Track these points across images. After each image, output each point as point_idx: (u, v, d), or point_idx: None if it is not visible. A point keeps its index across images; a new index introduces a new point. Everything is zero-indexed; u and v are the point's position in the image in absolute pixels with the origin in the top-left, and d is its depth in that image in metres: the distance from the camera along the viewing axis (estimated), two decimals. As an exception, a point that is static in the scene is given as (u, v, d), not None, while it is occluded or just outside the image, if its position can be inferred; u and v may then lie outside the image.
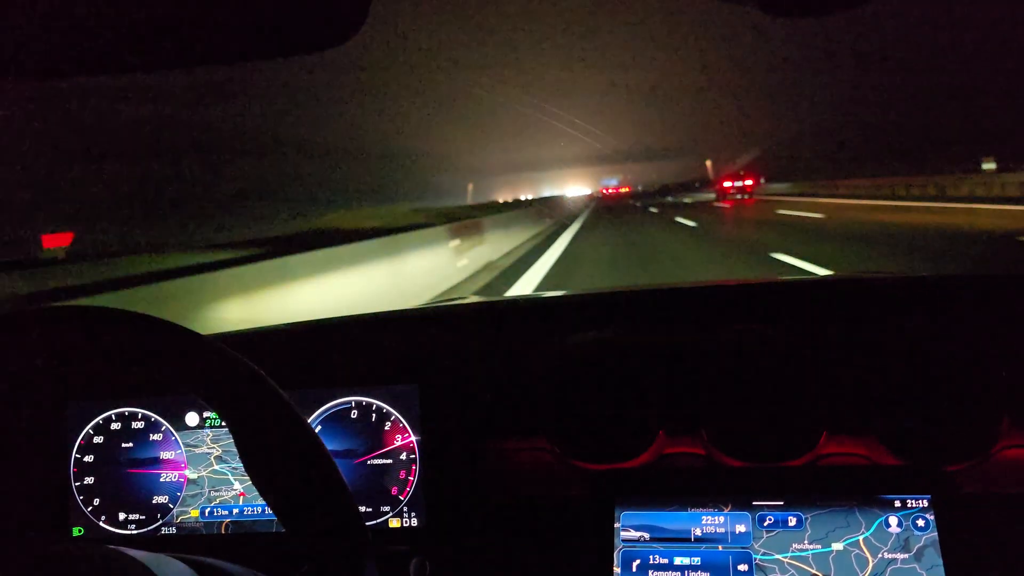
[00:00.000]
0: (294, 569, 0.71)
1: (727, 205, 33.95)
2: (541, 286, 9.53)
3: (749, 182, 43.17)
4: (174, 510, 1.23)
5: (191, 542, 1.22)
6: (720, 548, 1.01)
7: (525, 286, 9.56)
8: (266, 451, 0.68)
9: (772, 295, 1.42)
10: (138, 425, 1.25)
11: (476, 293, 8.86)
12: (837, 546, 0.99)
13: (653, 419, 1.17)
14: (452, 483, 1.21)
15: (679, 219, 23.17)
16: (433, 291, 8.37)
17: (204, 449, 1.24)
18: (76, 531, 1.24)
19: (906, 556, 0.97)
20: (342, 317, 1.40)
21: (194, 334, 0.71)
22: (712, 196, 46.58)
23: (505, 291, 9.32)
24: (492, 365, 1.27)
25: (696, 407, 1.17)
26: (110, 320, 0.70)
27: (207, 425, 1.24)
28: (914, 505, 0.99)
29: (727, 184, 44.10)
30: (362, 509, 1.20)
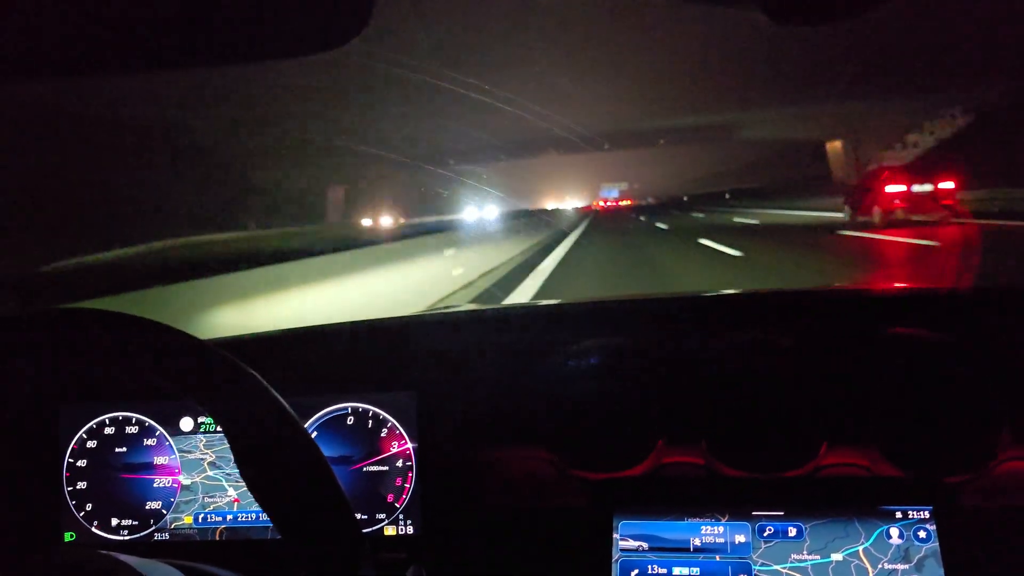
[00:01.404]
0: None
1: (899, 238, 12.79)
2: (539, 295, 9.54)
3: (949, 184, 17.97)
4: (167, 516, 1.22)
5: (185, 548, 1.20)
6: (719, 558, 1.01)
7: (523, 295, 9.57)
8: (262, 456, 0.67)
9: (773, 306, 1.42)
10: (132, 430, 1.24)
11: (473, 301, 8.86)
12: (836, 557, 0.98)
13: (652, 428, 1.17)
14: (448, 491, 1.20)
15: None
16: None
17: (198, 455, 1.23)
18: (68, 536, 1.23)
19: (907, 567, 0.96)
20: (339, 323, 1.39)
21: (190, 337, 0.70)
22: (837, 213, 20.64)
23: (502, 299, 9.32)
24: (490, 373, 1.26)
25: (696, 417, 1.16)
26: (106, 322, 0.69)
27: (201, 430, 1.23)
28: (915, 516, 0.99)
29: (893, 189, 18.10)
30: (357, 517, 1.19)
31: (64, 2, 0.60)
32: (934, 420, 1.10)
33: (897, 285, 1.51)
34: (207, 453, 1.22)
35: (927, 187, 17.76)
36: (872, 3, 0.56)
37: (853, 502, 1.01)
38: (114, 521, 1.23)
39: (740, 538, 1.01)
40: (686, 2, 0.63)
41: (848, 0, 0.58)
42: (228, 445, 0.68)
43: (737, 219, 26.28)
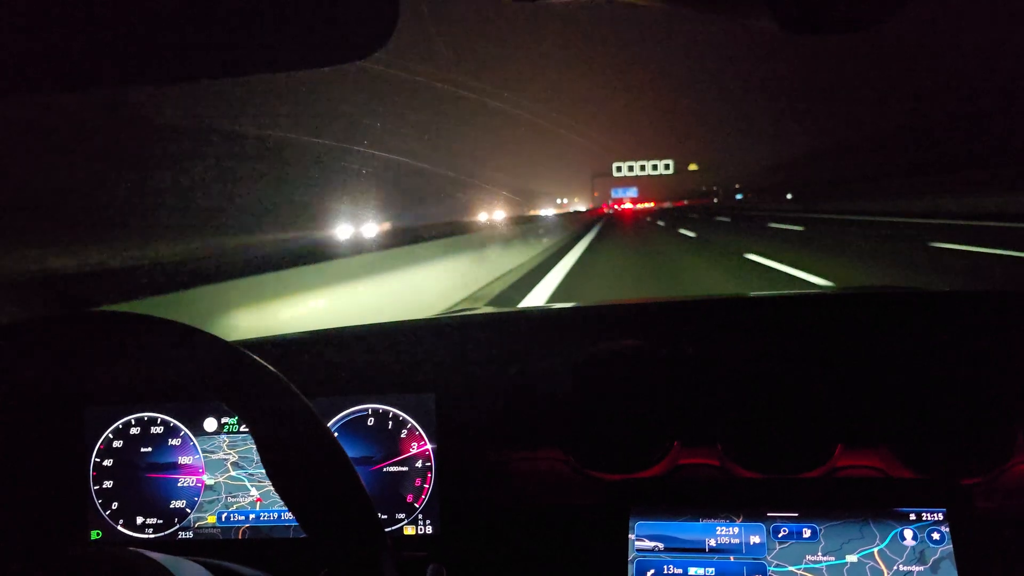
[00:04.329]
0: (311, 575, 0.72)
1: None
2: (553, 298, 9.54)
3: None
4: (191, 515, 1.24)
5: (208, 547, 1.23)
6: (733, 559, 1.02)
7: (538, 298, 9.57)
8: (287, 456, 0.69)
9: (789, 308, 1.42)
10: (157, 430, 1.26)
11: (490, 304, 8.87)
12: (851, 558, 0.99)
13: (668, 430, 1.18)
14: (467, 491, 1.22)
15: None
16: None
17: (221, 455, 1.25)
18: (94, 535, 1.26)
19: (922, 568, 0.97)
20: (360, 326, 1.41)
21: (217, 339, 0.72)
22: None
23: (518, 302, 9.32)
24: (508, 375, 1.28)
25: (712, 418, 1.17)
26: (133, 324, 0.71)
27: (225, 431, 1.25)
28: (929, 518, 0.99)
29: None
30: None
31: (98, 16, 0.62)
32: (949, 422, 1.10)
33: (912, 287, 1.51)
34: (230, 453, 1.25)
35: None
36: (882, 16, 0.57)
37: (868, 504, 1.01)
38: (139, 520, 1.25)
39: (755, 539, 1.02)
40: (696, 11, 0.64)
41: (858, 12, 0.60)
42: (251, 446, 0.70)
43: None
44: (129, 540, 1.24)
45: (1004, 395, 1.10)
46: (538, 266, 13.63)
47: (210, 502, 1.24)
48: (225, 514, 1.24)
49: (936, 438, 1.10)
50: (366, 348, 1.37)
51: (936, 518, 0.99)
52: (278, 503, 1.22)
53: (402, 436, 1.23)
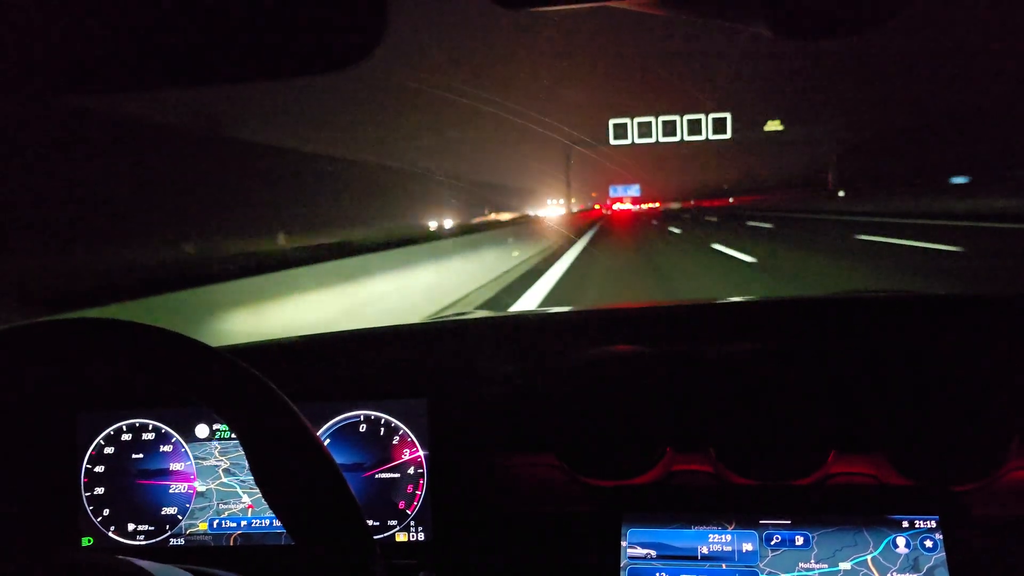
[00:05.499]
0: None
1: None
2: (546, 301, 9.53)
3: None
4: (183, 522, 1.24)
5: (200, 554, 1.22)
6: (725, 567, 1.01)
7: (530, 302, 9.56)
8: (276, 463, 0.68)
9: (782, 313, 1.42)
10: (148, 436, 1.26)
11: (480, 307, 8.85)
12: (844, 566, 0.99)
13: (661, 436, 1.18)
14: (459, 498, 1.22)
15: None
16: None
17: (212, 461, 1.24)
18: (85, 541, 1.25)
19: None
20: (352, 331, 1.40)
21: (205, 346, 0.72)
22: None
23: (511, 305, 9.31)
24: (501, 380, 1.28)
25: (705, 425, 1.17)
26: (121, 332, 0.71)
27: (216, 437, 1.25)
28: (922, 526, 0.99)
29: None
30: (369, 523, 1.21)
31: (93, 24, 0.62)
32: (942, 429, 1.10)
33: (906, 292, 1.52)
34: (222, 460, 1.24)
35: None
36: (873, 22, 0.57)
37: (861, 511, 1.01)
38: (131, 526, 1.25)
39: (747, 546, 1.02)
40: (690, 17, 0.64)
41: (850, 19, 0.60)
42: (242, 452, 0.69)
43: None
44: (120, 547, 1.24)
45: (997, 401, 1.10)
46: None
47: (201, 509, 1.24)
48: (216, 521, 1.23)
49: (929, 445, 1.10)
50: (357, 353, 1.37)
51: (929, 525, 0.99)
52: (269, 510, 1.21)
53: (394, 442, 1.22)
